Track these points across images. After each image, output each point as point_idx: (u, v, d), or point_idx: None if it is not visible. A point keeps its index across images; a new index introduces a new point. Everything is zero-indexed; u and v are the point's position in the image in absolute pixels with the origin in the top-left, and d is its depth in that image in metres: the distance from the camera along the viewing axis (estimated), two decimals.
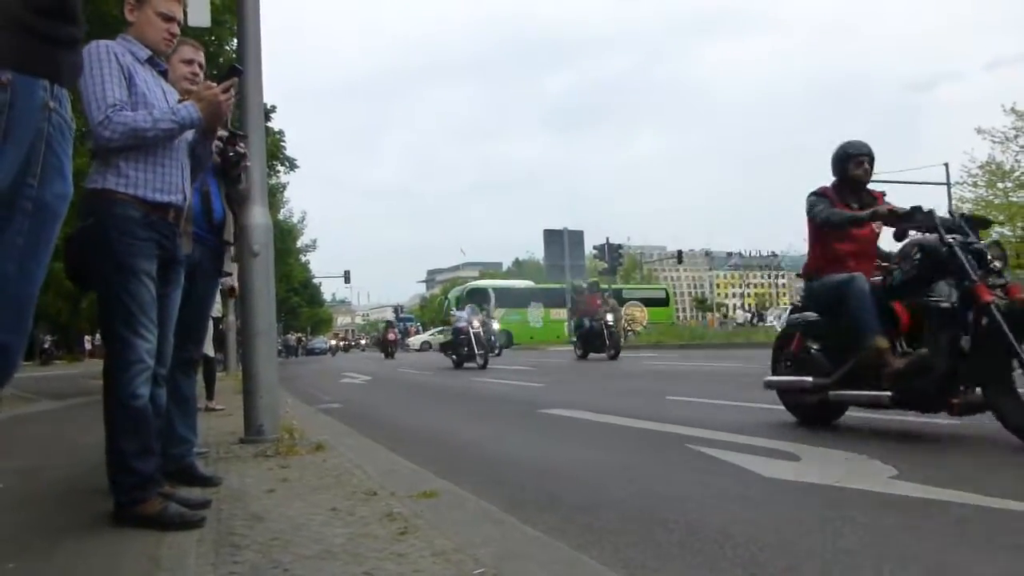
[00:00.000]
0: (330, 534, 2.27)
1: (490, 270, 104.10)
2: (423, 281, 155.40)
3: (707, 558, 2.23)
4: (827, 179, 4.88)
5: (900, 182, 29.47)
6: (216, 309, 7.48)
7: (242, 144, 3.52)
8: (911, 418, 4.70)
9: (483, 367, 14.31)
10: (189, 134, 2.75)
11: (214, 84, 2.71)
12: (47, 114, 1.30)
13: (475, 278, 65.48)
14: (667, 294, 44.07)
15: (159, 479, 2.57)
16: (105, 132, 2.50)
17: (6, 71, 1.21)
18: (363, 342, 62.15)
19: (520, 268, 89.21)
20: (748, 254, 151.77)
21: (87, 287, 2.82)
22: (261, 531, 2.35)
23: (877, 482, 3.03)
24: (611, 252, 28.67)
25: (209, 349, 7.11)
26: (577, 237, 26.27)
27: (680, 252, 53.77)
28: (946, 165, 28.13)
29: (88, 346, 41.60)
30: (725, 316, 52.95)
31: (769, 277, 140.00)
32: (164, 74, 2.85)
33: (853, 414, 4.88)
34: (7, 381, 1.36)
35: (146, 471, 2.49)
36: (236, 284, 5.06)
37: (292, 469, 3.46)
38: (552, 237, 26.12)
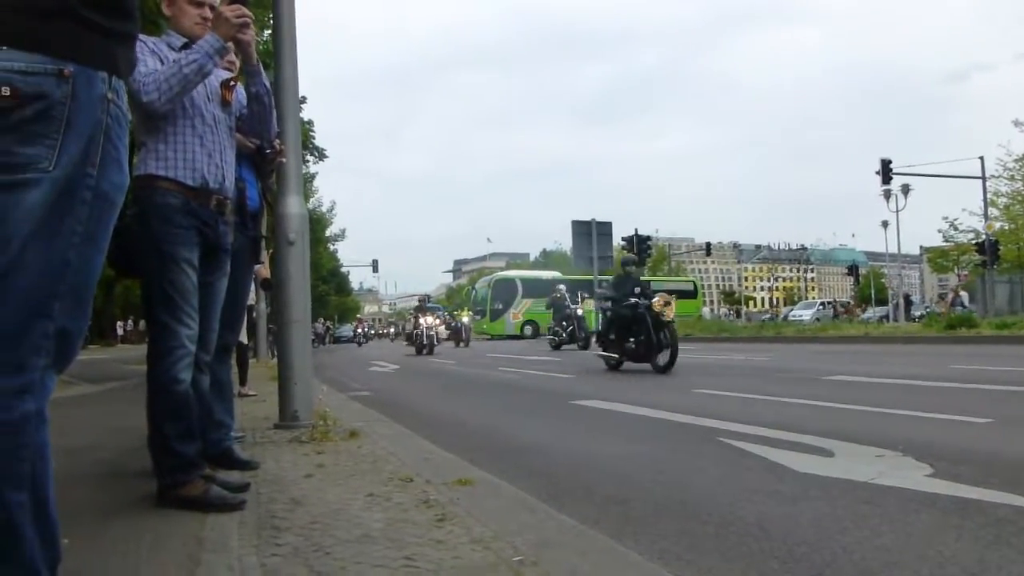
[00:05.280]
0: (369, 519, 2.31)
1: (517, 260, 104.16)
2: (449, 271, 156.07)
3: (743, 551, 2.24)
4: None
5: (935, 175, 28.99)
6: (249, 297, 7.59)
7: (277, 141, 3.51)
8: (943, 416, 4.66)
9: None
10: (227, 115, 2.82)
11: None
12: (106, 105, 1.33)
13: (502, 268, 65.51)
14: (695, 286, 43.74)
15: (201, 462, 2.63)
16: (145, 97, 2.54)
17: (68, 64, 1.25)
18: (392, 330, 56.85)
19: (547, 259, 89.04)
20: (777, 247, 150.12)
21: (130, 274, 2.87)
22: (301, 515, 2.39)
23: (912, 480, 3.00)
24: (639, 243, 28.44)
25: (242, 336, 7.23)
26: (605, 228, 26.02)
27: (709, 244, 53.05)
28: (981, 159, 27.46)
29: (120, 331, 42.33)
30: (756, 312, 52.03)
31: (798, 271, 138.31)
32: None
33: (884, 410, 4.92)
34: (67, 366, 1.40)
35: (188, 454, 2.56)
36: (269, 274, 5.12)
37: (327, 455, 3.51)
38: (580, 228, 25.89)
